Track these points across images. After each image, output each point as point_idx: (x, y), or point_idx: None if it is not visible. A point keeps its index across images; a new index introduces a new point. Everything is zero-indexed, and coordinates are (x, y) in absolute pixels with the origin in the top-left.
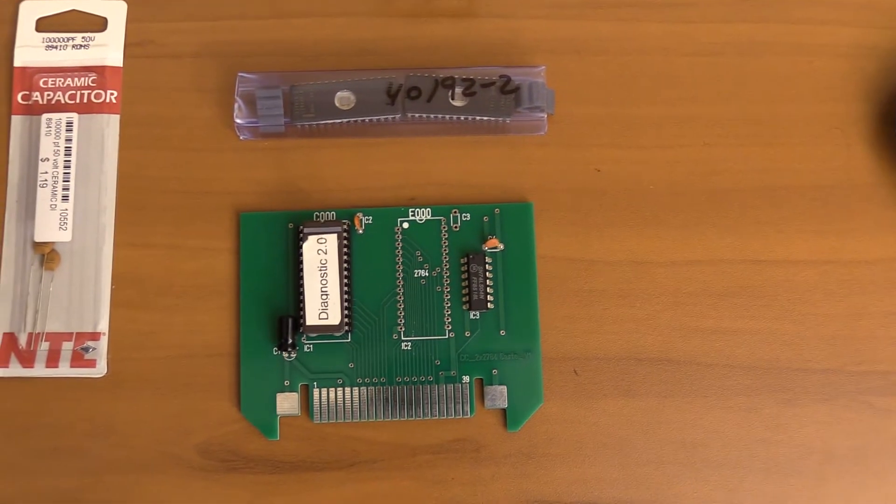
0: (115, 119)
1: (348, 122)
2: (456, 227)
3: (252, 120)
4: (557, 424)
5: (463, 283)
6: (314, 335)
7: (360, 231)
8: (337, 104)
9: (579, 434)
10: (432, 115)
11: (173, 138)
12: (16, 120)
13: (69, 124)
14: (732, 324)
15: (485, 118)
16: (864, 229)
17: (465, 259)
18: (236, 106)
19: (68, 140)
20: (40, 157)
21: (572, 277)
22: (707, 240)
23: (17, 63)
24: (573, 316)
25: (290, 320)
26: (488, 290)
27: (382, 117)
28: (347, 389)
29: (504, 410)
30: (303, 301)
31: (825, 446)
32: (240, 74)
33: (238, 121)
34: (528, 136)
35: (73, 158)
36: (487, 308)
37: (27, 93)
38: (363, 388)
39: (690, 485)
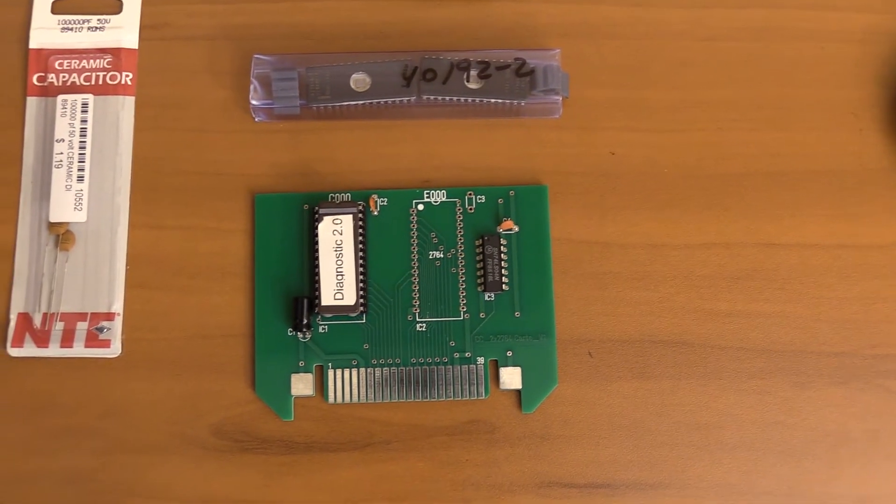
0: (130, 101)
1: (363, 104)
2: (471, 209)
3: (267, 101)
4: (572, 406)
5: (478, 265)
6: (329, 316)
7: (376, 212)
8: (352, 86)
9: (594, 416)
10: (447, 98)
11: (188, 120)
12: (31, 101)
13: (84, 106)
14: (746, 307)
15: (500, 101)
16: (877, 213)
17: (480, 241)
18: (252, 87)
19: (83, 121)
20: (56, 139)
21: (587, 260)
22: (721, 223)
23: (33, 45)
24: (588, 298)
25: (304, 301)
26: (503, 271)
27: (397, 99)
28: (362, 370)
29: (518, 392)
30: (318, 281)
31: (839, 429)
32: (255, 56)
33: (253, 102)
34: (542, 119)
35: (88, 139)
36: (502, 290)
37: (42, 74)
38: (378, 370)
39: (704, 467)
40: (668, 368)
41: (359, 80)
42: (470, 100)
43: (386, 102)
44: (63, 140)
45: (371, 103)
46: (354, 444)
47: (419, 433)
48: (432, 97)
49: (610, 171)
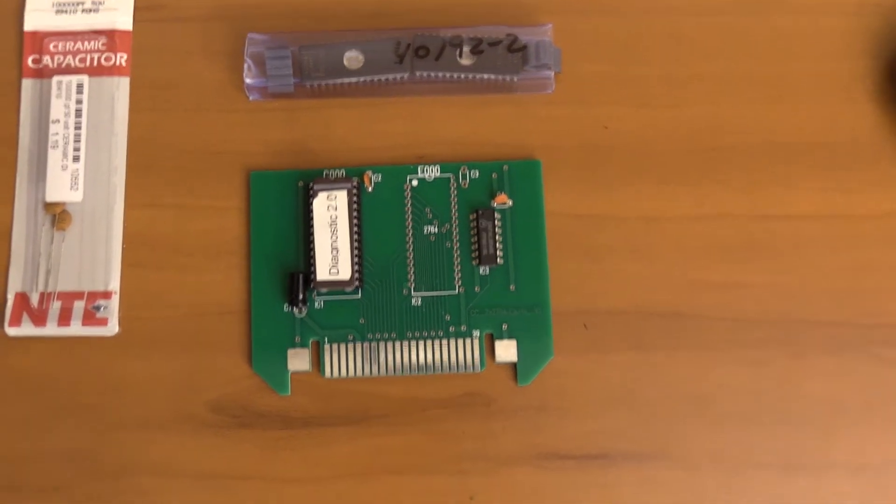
0: (125, 81)
1: (357, 81)
2: (465, 184)
3: (261, 80)
4: (567, 378)
5: (472, 239)
6: (325, 291)
7: (370, 188)
8: (345, 64)
9: (589, 387)
10: (440, 74)
11: (183, 100)
12: (26, 83)
13: (80, 86)
14: (741, 278)
15: (492, 76)
16: (870, 185)
17: (475, 215)
18: (246, 66)
19: (79, 102)
20: (51, 119)
21: (581, 233)
22: (714, 196)
23: (28, 27)
24: (582, 271)
25: (300, 276)
26: (498, 245)
27: (391, 76)
28: (358, 345)
29: (514, 365)
30: (313, 257)
31: (834, 398)
32: (249, 35)
33: (248, 80)
34: (535, 94)
35: (83, 120)
36: (497, 263)
37: (37, 56)
38: (374, 344)
39: (700, 437)
40: (664, 340)
41: (352, 58)
42: (463, 76)
43: (379, 80)
44: (58, 121)
45: (364, 81)
46: (351, 419)
47: (415, 407)
48: (425, 74)
49: (603, 146)
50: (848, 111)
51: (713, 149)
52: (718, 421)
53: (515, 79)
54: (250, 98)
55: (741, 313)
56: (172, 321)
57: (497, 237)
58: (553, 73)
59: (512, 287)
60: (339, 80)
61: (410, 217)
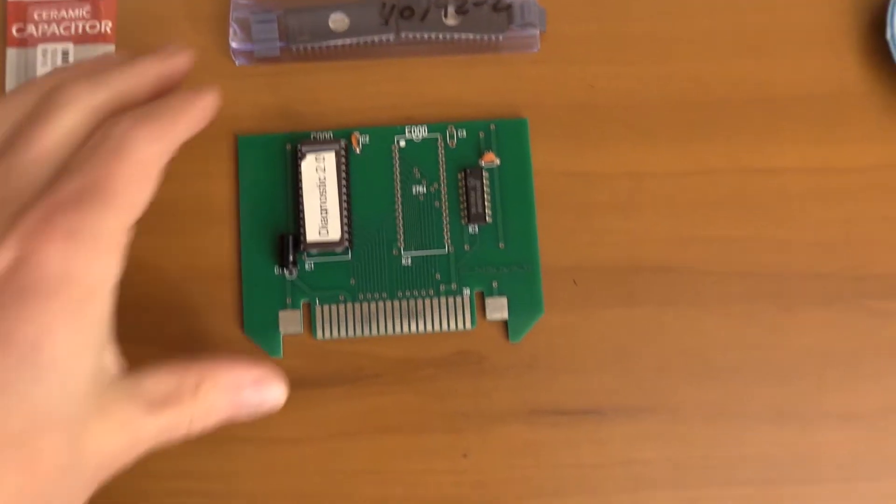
0: (110, 49)
1: (342, 44)
2: (452, 144)
3: (247, 44)
4: (558, 335)
5: (461, 198)
6: (315, 252)
7: (358, 150)
8: (331, 27)
9: (580, 343)
10: (426, 35)
11: None
12: (11, 53)
13: (65, 54)
14: (729, 232)
15: (478, 36)
16: (856, 137)
17: (463, 174)
18: (231, 30)
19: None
20: None
21: (569, 191)
22: (702, 151)
23: None
24: (571, 228)
25: (290, 238)
26: (486, 203)
27: (376, 38)
28: (349, 305)
29: (505, 322)
30: (302, 219)
31: (824, 349)
32: (234, 0)
33: (233, 45)
34: (521, 53)
35: None
36: (486, 221)
37: (21, 26)
38: (365, 304)
39: (691, 390)
40: (653, 295)
41: (337, 21)
42: (448, 36)
43: (365, 42)
44: None
45: (350, 43)
46: (344, 379)
47: (407, 366)
48: (411, 35)
49: (590, 104)
50: (833, 65)
51: (699, 105)
52: (709, 374)
53: (501, 38)
54: (237, 63)
55: (730, 267)
56: (164, 286)
57: (485, 196)
58: (538, 33)
59: (501, 245)
60: (324, 43)
61: (399, 177)
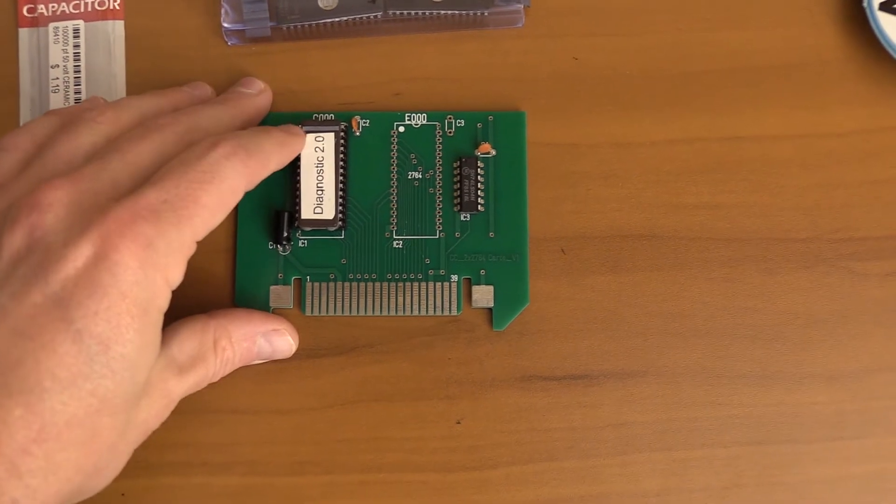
0: (119, 25)
1: (332, 22)
2: (450, 133)
3: (239, 25)
4: (548, 302)
5: (455, 186)
6: (308, 230)
7: (358, 133)
8: (320, 5)
9: (569, 310)
10: (413, 12)
11: (165, 47)
12: (23, 32)
13: (76, 31)
14: (712, 199)
15: (463, 12)
16: (835, 103)
17: (458, 163)
18: (223, 11)
19: (76, 46)
20: (50, 64)
21: (556, 161)
22: (684, 120)
23: None
24: (558, 198)
25: (285, 215)
26: (479, 192)
27: (365, 16)
28: (339, 284)
29: (490, 310)
30: (298, 197)
31: (807, 311)
32: None
33: (225, 25)
34: (506, 28)
35: (82, 63)
36: (478, 210)
37: (32, 6)
38: (354, 284)
39: (679, 354)
40: (640, 261)
41: (326, 0)
42: (434, 13)
43: (353, 20)
44: (58, 66)
45: (339, 21)
46: (339, 349)
47: (401, 335)
48: (398, 12)
49: (574, 76)
50: (811, 33)
51: (681, 75)
52: (695, 337)
53: (486, 13)
54: (229, 43)
55: (714, 232)
56: None
57: (479, 185)
58: (522, 7)
59: (491, 234)
60: (314, 22)
61: (396, 162)
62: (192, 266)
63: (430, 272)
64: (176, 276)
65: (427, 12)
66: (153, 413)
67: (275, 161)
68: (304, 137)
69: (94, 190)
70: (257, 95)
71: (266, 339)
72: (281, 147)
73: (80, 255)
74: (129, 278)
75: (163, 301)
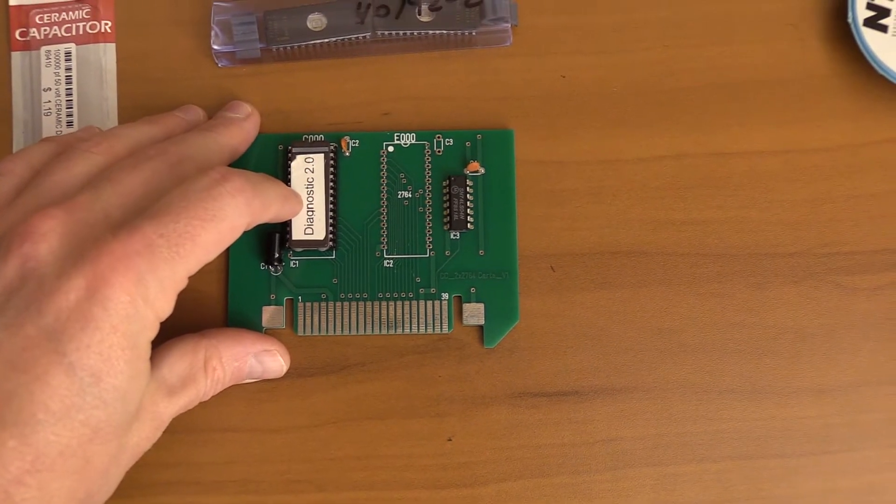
0: (111, 47)
1: (321, 43)
2: (439, 152)
3: (228, 46)
4: (538, 319)
5: (444, 205)
6: (300, 251)
7: (347, 153)
8: (309, 27)
9: (559, 327)
10: (401, 32)
11: (156, 70)
12: (15, 56)
13: (67, 54)
14: (700, 214)
15: (451, 32)
16: (821, 118)
17: (447, 181)
18: (213, 33)
19: (68, 69)
20: (43, 87)
21: (544, 179)
22: (671, 136)
23: (13, 2)
24: (547, 215)
25: (276, 236)
26: (469, 211)
27: (353, 36)
28: (331, 304)
29: (481, 327)
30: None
31: (796, 326)
32: (215, 3)
33: (215, 48)
34: (494, 48)
35: (74, 86)
36: (467, 228)
37: (24, 29)
38: (346, 303)
39: (668, 369)
40: (628, 277)
41: (315, 21)
42: (423, 33)
43: (342, 40)
44: (50, 89)
45: (328, 42)
46: (330, 368)
47: (392, 353)
48: (386, 32)
49: (562, 94)
50: (797, 48)
51: (667, 91)
52: (685, 352)
53: (474, 33)
54: (219, 64)
55: (702, 248)
56: None
57: (468, 203)
58: (510, 26)
59: (481, 252)
60: (303, 43)
61: (385, 182)
62: (185, 287)
63: (421, 291)
64: (166, 310)
65: (415, 32)
66: (144, 436)
67: (274, 210)
68: (303, 205)
69: (88, 220)
70: (245, 120)
71: (257, 359)
72: (283, 200)
73: (73, 288)
74: (120, 312)
75: (152, 332)
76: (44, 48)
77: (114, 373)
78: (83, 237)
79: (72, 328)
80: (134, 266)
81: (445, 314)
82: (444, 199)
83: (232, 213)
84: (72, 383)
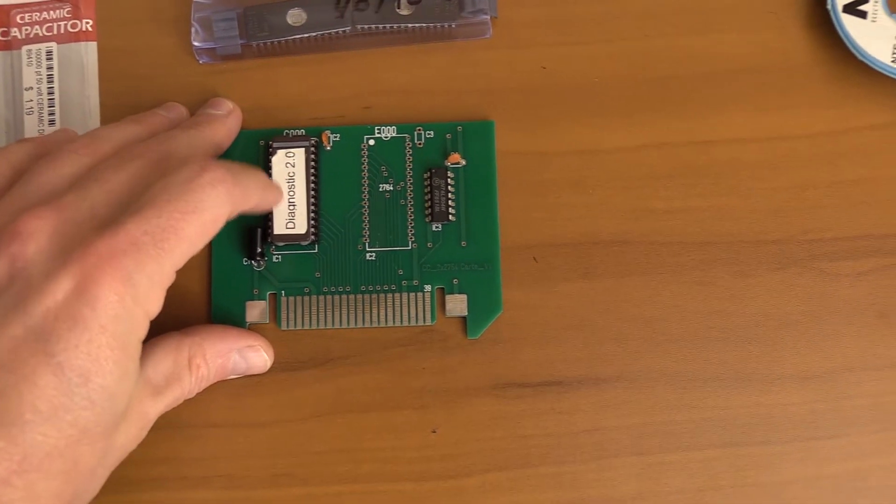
0: (92, 46)
1: (301, 38)
2: (420, 144)
3: (209, 43)
4: (521, 310)
5: (426, 197)
6: (282, 245)
7: (328, 147)
8: (289, 22)
9: (542, 317)
10: (380, 26)
11: (137, 67)
12: None
13: (49, 53)
14: (683, 203)
15: (431, 25)
16: (803, 105)
17: (428, 174)
18: (193, 30)
19: (49, 68)
20: (24, 87)
21: (525, 170)
22: (652, 125)
23: None
24: (529, 206)
25: (258, 231)
26: (450, 202)
27: (333, 31)
28: (314, 297)
29: (464, 318)
30: (271, 212)
31: (779, 312)
32: (195, 0)
33: (196, 44)
34: (474, 40)
35: (55, 85)
36: (449, 220)
37: (6, 29)
38: (329, 297)
39: (652, 358)
40: (611, 267)
41: (295, 16)
42: (402, 26)
43: (322, 35)
44: (32, 88)
45: (308, 37)
46: (314, 362)
47: (375, 346)
48: (366, 26)
49: (542, 85)
50: (777, 36)
51: (648, 81)
52: (669, 341)
53: (453, 25)
54: (200, 61)
55: (685, 236)
56: None
57: (449, 195)
58: (489, 18)
59: (463, 243)
60: (283, 38)
61: (367, 175)
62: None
63: (404, 283)
64: (155, 308)
65: (395, 26)
66: (131, 436)
67: (255, 199)
68: (282, 195)
69: (75, 219)
70: (227, 116)
71: (241, 355)
72: (263, 189)
73: (61, 288)
74: (109, 312)
75: (142, 332)
76: (25, 47)
77: (102, 373)
78: (71, 237)
79: (60, 328)
80: (121, 265)
81: (428, 306)
82: (426, 191)
83: (213, 204)
84: (60, 383)
